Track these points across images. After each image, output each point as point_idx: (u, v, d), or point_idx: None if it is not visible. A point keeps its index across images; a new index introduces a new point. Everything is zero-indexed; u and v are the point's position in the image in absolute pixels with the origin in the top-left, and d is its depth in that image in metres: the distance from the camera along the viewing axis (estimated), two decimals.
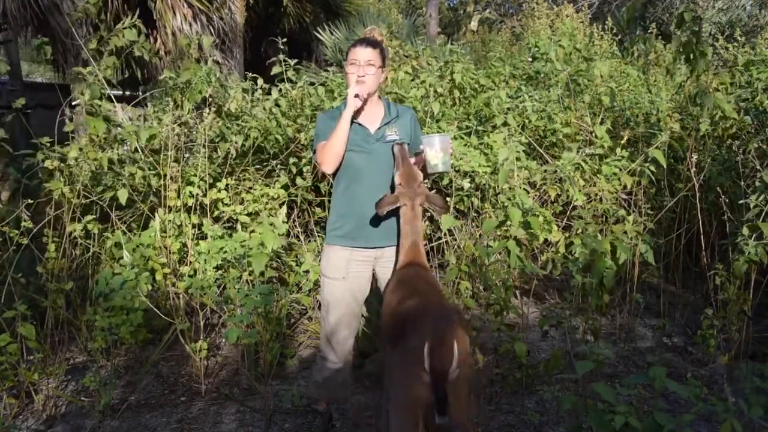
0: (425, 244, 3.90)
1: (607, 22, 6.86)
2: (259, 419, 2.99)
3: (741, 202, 3.49)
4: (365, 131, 2.58)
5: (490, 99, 4.23)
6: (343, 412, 3.02)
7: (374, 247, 2.61)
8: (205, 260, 3.55)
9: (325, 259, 2.66)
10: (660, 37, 6.83)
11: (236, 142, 3.84)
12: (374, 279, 2.71)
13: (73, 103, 3.45)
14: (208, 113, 3.77)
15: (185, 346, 3.33)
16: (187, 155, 3.96)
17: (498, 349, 3.09)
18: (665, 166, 3.72)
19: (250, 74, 4.18)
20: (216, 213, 3.86)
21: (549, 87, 4.61)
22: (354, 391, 3.03)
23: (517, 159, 3.60)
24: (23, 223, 3.19)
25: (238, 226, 3.82)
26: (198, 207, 3.80)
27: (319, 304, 2.98)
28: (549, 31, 7.40)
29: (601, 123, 4.15)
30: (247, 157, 4.05)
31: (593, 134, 4.00)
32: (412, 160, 2.59)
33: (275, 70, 4.20)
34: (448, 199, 3.78)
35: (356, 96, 2.47)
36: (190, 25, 7.06)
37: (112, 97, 3.68)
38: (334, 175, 2.62)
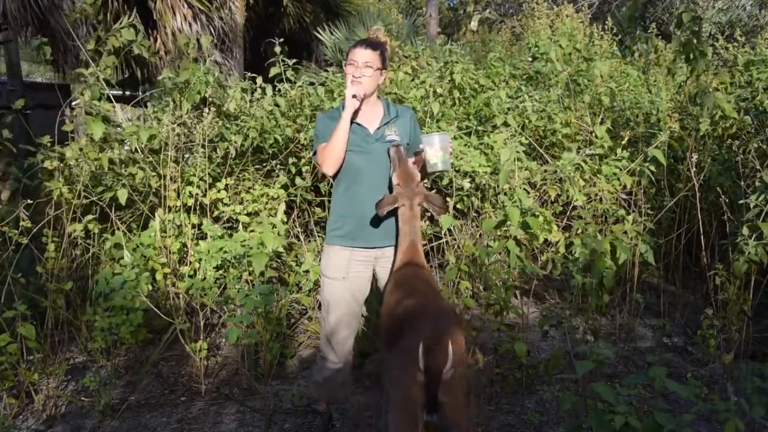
0: (425, 245, 3.92)
1: (607, 22, 6.86)
2: (259, 419, 2.99)
3: (741, 202, 3.49)
4: (365, 131, 2.58)
5: (489, 99, 4.23)
6: (343, 412, 3.02)
7: (374, 247, 2.61)
8: (205, 260, 3.55)
9: (325, 259, 2.66)
10: (660, 37, 6.82)
11: (235, 142, 3.84)
12: (374, 279, 2.71)
13: (73, 104, 3.45)
14: (208, 113, 3.76)
15: (185, 346, 3.32)
16: (187, 155, 3.96)
17: (498, 349, 3.09)
18: (665, 166, 3.72)
19: (249, 74, 4.18)
20: (216, 213, 3.86)
21: (549, 87, 4.61)
22: (354, 391, 3.03)
23: (518, 159, 3.60)
24: (22, 223, 3.18)
25: (239, 226, 3.82)
26: (198, 207, 3.80)
27: (319, 304, 2.98)
28: (549, 31, 7.40)
29: (601, 123, 4.15)
30: (246, 157, 4.05)
31: (593, 134, 4.00)
32: (412, 159, 2.60)
33: (274, 70, 4.20)
34: (448, 199, 3.78)
35: (354, 97, 2.47)
36: (190, 26, 7.06)
37: (112, 97, 3.68)
38: (334, 175, 2.62)
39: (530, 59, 5.01)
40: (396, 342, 2.06)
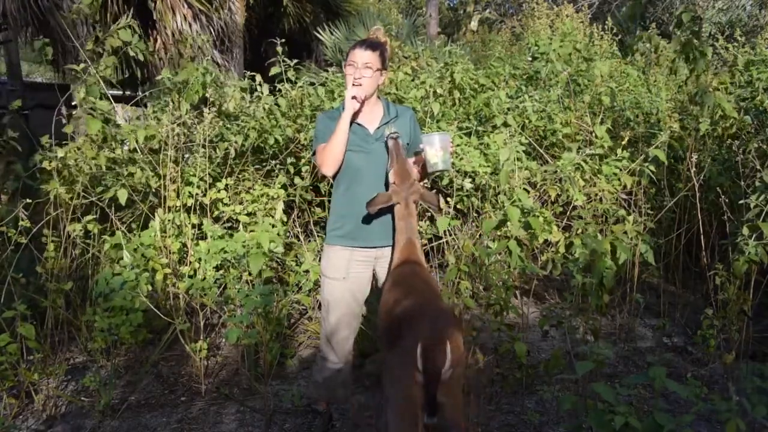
0: (424, 245, 3.92)
1: (607, 22, 6.86)
2: (259, 419, 2.99)
3: (741, 202, 3.49)
4: (364, 131, 2.58)
5: (489, 99, 4.23)
6: (343, 412, 3.02)
7: (374, 247, 2.61)
8: (205, 260, 3.55)
9: (326, 259, 2.66)
10: (660, 36, 6.82)
11: (236, 142, 3.83)
12: (374, 279, 2.71)
13: (74, 103, 3.45)
14: (208, 113, 3.76)
15: (185, 346, 3.32)
16: (187, 155, 3.96)
17: (498, 349, 3.09)
18: (666, 166, 3.72)
19: (249, 73, 4.18)
20: (216, 213, 3.86)
21: (549, 87, 4.61)
22: (354, 391, 3.03)
23: (518, 159, 3.60)
24: (21, 223, 3.18)
25: (240, 226, 3.82)
26: (198, 207, 3.80)
27: (319, 304, 2.98)
28: (549, 31, 7.40)
29: (601, 123, 4.15)
30: (246, 156, 4.05)
31: (593, 134, 4.00)
32: (412, 159, 2.60)
33: (275, 70, 4.20)
34: (448, 199, 3.78)
35: (353, 98, 2.47)
36: (190, 26, 7.06)
37: (110, 97, 3.68)
38: (334, 176, 2.62)
39: (530, 59, 5.01)
40: (395, 342, 2.06)
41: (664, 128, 4.05)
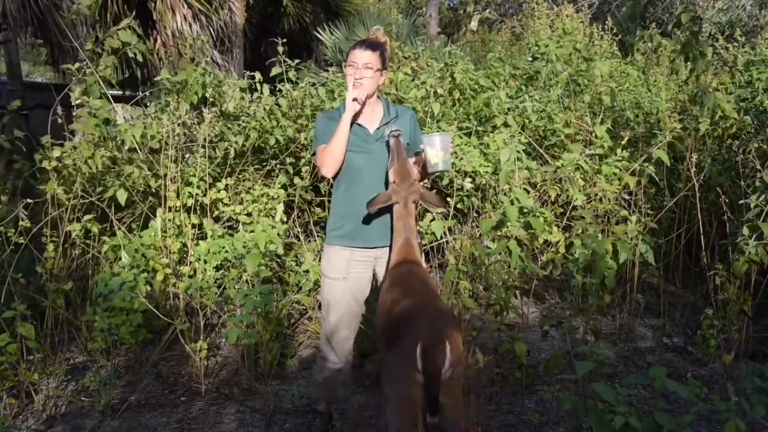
0: (424, 245, 3.92)
1: (607, 22, 6.86)
2: (259, 419, 2.99)
3: (741, 202, 3.49)
4: (364, 131, 2.58)
5: (489, 99, 4.23)
6: (343, 412, 3.02)
7: (374, 247, 2.61)
8: (205, 260, 3.55)
9: (326, 260, 2.66)
10: (660, 36, 6.82)
11: (236, 142, 3.83)
12: (374, 279, 2.71)
13: (75, 103, 3.45)
14: (208, 113, 3.76)
15: (185, 346, 3.32)
16: (187, 155, 3.96)
17: (498, 349, 3.09)
18: (666, 166, 3.72)
19: (249, 73, 4.18)
20: (216, 213, 3.86)
21: (549, 87, 4.61)
22: (354, 391, 3.03)
23: (518, 159, 3.60)
24: (21, 223, 3.18)
25: (240, 227, 3.82)
26: (198, 207, 3.80)
27: (319, 304, 2.98)
28: (549, 31, 7.40)
29: (601, 123, 4.14)
30: (246, 157, 4.05)
31: (593, 134, 4.00)
32: (412, 159, 2.59)
33: (275, 70, 4.20)
34: (448, 199, 3.79)
35: (354, 100, 2.47)
36: (190, 26, 7.07)
37: (110, 97, 3.68)
38: (334, 176, 2.62)
39: (530, 59, 5.02)
40: (394, 342, 2.06)
41: (664, 128, 4.05)
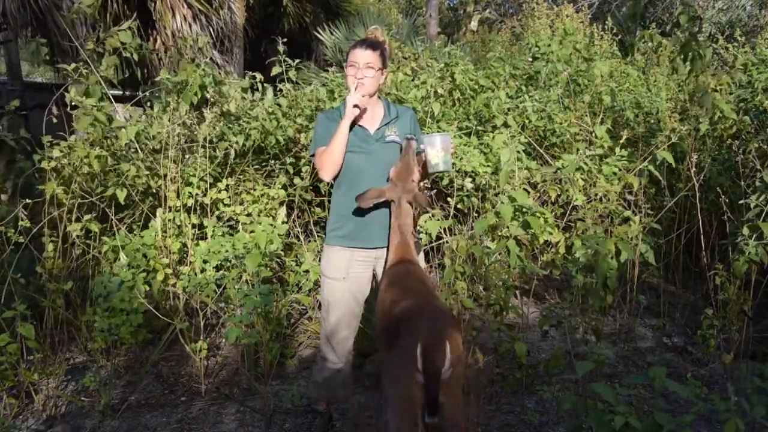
0: (424, 245, 3.91)
1: (607, 22, 6.86)
2: (259, 419, 2.99)
3: (741, 202, 3.48)
4: (365, 132, 2.58)
5: (489, 100, 4.23)
6: (343, 412, 3.02)
7: (374, 248, 2.61)
8: (205, 260, 3.55)
9: (325, 260, 2.66)
10: (660, 36, 6.82)
11: (236, 142, 3.83)
12: (374, 279, 2.71)
13: (74, 103, 3.44)
14: (208, 113, 3.76)
15: (185, 346, 3.32)
16: (187, 156, 3.96)
17: (498, 349, 3.09)
18: (666, 166, 3.71)
19: (250, 73, 4.18)
20: (216, 213, 3.86)
21: (549, 87, 4.61)
22: (354, 391, 3.03)
23: (518, 159, 3.60)
24: (21, 223, 3.18)
25: (240, 227, 3.82)
26: (198, 207, 3.80)
27: (319, 304, 2.98)
28: (549, 31, 7.40)
29: (601, 123, 4.14)
30: (246, 157, 4.05)
31: (593, 134, 4.00)
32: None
33: (275, 70, 4.20)
34: (449, 199, 3.79)
35: (355, 106, 2.47)
36: (190, 26, 7.07)
37: (111, 97, 3.67)
38: (334, 177, 2.62)
39: (530, 59, 5.02)
40: (393, 342, 2.06)
41: (665, 128, 4.05)
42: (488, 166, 3.85)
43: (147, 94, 4.11)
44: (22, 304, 2.93)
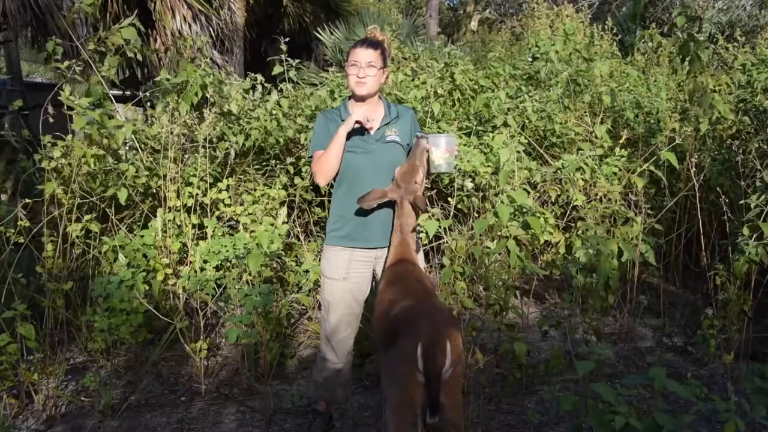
0: (424, 245, 3.91)
1: (607, 22, 6.86)
2: (259, 419, 2.99)
3: (741, 202, 3.48)
4: (365, 132, 2.58)
5: (489, 100, 4.23)
6: (343, 412, 3.02)
7: (374, 248, 2.61)
8: (205, 260, 3.54)
9: (325, 260, 2.66)
10: (660, 36, 6.82)
11: (237, 143, 3.83)
12: (374, 279, 2.71)
13: (66, 104, 3.44)
14: (209, 113, 3.76)
15: (185, 346, 3.32)
16: (187, 156, 3.96)
17: (498, 349, 3.09)
18: (666, 166, 3.71)
19: (251, 74, 4.18)
20: (217, 213, 3.86)
21: (549, 87, 4.61)
22: (354, 391, 3.02)
23: (518, 160, 3.60)
24: (21, 223, 3.18)
25: (240, 227, 3.82)
26: (198, 207, 3.80)
27: (319, 304, 2.98)
28: (549, 31, 7.40)
29: (601, 123, 4.14)
30: (247, 157, 4.05)
31: (593, 134, 4.00)
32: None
33: (276, 69, 4.20)
34: (449, 199, 3.79)
35: (357, 122, 2.47)
36: (190, 26, 7.07)
37: (111, 96, 3.67)
38: (334, 177, 2.63)
39: (530, 59, 5.01)
40: (392, 342, 2.06)
41: (664, 128, 4.05)
42: (488, 166, 3.84)
43: (148, 94, 4.11)
44: (22, 304, 2.93)
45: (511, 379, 3.15)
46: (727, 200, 3.66)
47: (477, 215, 4.02)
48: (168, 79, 3.80)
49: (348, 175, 2.58)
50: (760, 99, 4.22)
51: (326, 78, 4.44)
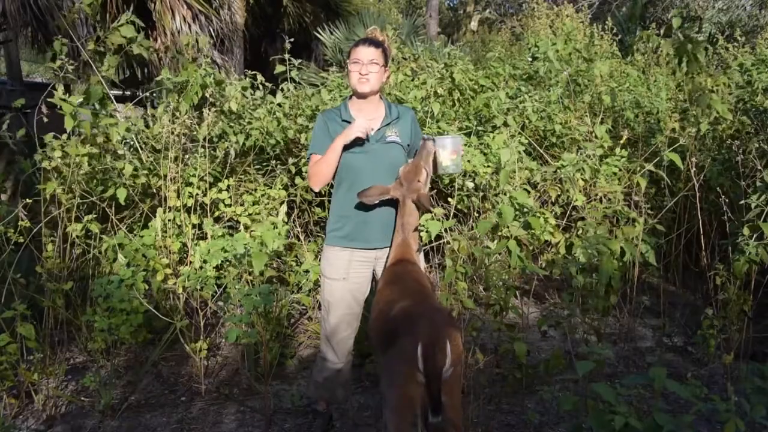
0: (424, 245, 3.91)
1: (607, 22, 6.85)
2: (259, 419, 2.99)
3: (741, 202, 3.48)
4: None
5: (489, 100, 4.23)
6: (343, 412, 3.02)
7: (374, 248, 2.61)
8: (205, 260, 3.54)
9: (325, 260, 2.66)
10: (660, 36, 6.82)
11: (237, 142, 3.83)
12: (374, 279, 2.71)
13: (59, 104, 3.43)
14: (209, 113, 3.76)
15: (185, 346, 3.32)
16: (187, 156, 3.96)
17: (498, 349, 3.09)
18: (666, 166, 3.71)
19: (250, 72, 4.17)
20: (217, 213, 3.86)
21: (549, 87, 4.61)
22: (354, 391, 3.02)
23: (519, 160, 3.60)
24: (21, 223, 3.18)
25: (241, 227, 3.82)
26: (198, 207, 3.79)
27: (319, 304, 2.98)
28: (549, 31, 7.40)
29: (601, 123, 4.14)
30: (247, 157, 4.05)
31: (593, 134, 4.00)
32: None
33: (279, 69, 4.20)
34: (449, 199, 3.78)
35: (357, 137, 2.48)
36: (190, 26, 7.06)
37: (111, 96, 3.67)
38: (333, 177, 2.63)
39: (530, 59, 5.01)
40: (391, 342, 2.06)
41: (664, 128, 4.05)
42: (488, 166, 3.84)
43: (148, 93, 4.11)
44: (22, 304, 2.93)
45: (511, 379, 3.15)
46: (727, 200, 3.66)
47: (477, 215, 4.02)
48: (169, 79, 3.80)
49: (348, 176, 2.58)
50: (760, 99, 4.21)
51: (326, 78, 4.44)
